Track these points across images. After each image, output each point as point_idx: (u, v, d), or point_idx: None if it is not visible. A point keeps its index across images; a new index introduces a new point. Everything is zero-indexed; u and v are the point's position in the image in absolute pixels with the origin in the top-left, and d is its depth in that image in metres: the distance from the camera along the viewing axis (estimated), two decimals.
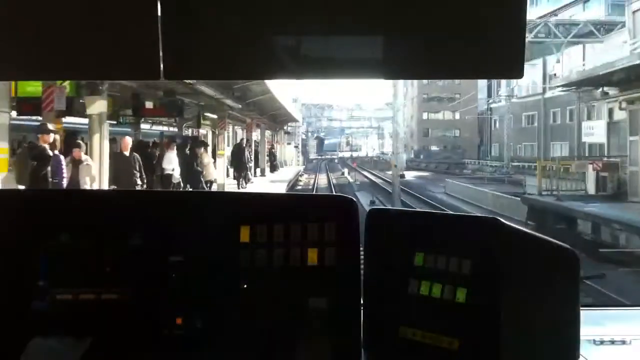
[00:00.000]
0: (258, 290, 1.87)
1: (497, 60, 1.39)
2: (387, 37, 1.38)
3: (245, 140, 31.36)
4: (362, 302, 1.91)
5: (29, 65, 1.43)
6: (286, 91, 32.91)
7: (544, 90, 57.69)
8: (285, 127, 51.89)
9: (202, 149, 21.77)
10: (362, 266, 1.92)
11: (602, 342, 2.07)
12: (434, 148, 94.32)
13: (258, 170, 35.56)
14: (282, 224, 1.90)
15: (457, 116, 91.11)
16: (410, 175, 57.65)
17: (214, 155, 25.90)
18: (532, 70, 59.09)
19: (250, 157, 30.68)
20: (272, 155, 40.73)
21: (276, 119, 41.03)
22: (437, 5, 1.37)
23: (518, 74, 1.38)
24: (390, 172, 65.21)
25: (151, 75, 1.40)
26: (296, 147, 64.08)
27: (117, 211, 1.93)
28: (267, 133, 47.30)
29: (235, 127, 40.08)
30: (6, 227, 1.89)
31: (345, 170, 61.87)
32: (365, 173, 63.06)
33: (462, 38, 1.37)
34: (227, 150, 30.10)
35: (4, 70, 1.50)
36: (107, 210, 1.94)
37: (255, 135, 40.35)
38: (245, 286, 1.88)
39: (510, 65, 1.38)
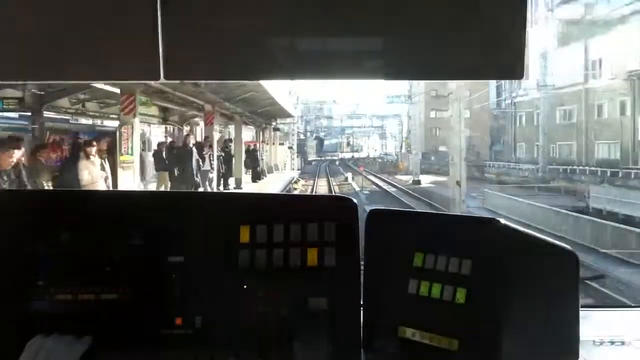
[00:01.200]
0: (258, 291, 1.85)
1: (498, 61, 1.38)
2: (387, 38, 1.38)
3: (195, 137, 20.52)
4: (361, 302, 1.89)
5: (29, 66, 1.42)
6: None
7: (586, 78, 46.87)
8: (274, 123, 40.60)
9: (83, 155, 10.86)
10: (362, 266, 1.90)
11: (601, 343, 2.03)
12: (442, 149, 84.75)
13: (232, 180, 24.59)
14: (282, 224, 1.88)
15: (468, 114, 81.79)
16: (426, 180, 46.96)
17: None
18: (570, 56, 48.28)
19: (212, 164, 19.73)
20: (253, 159, 29.74)
21: (258, 109, 29.95)
22: (438, 6, 1.37)
23: (520, 74, 1.38)
24: (400, 177, 55.85)
25: (151, 76, 1.39)
26: (291, 147, 51.40)
27: (117, 211, 1.90)
28: (250, 130, 36.76)
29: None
30: (6, 227, 1.86)
31: (349, 175, 51.07)
32: (372, 177, 52.76)
33: (464, 39, 1.36)
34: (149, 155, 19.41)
35: (3, 70, 1.48)
36: (107, 210, 1.91)
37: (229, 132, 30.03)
38: (245, 286, 1.86)
39: (511, 65, 1.38)
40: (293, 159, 49.24)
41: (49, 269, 1.84)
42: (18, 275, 1.84)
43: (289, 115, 45.02)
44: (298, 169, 51.53)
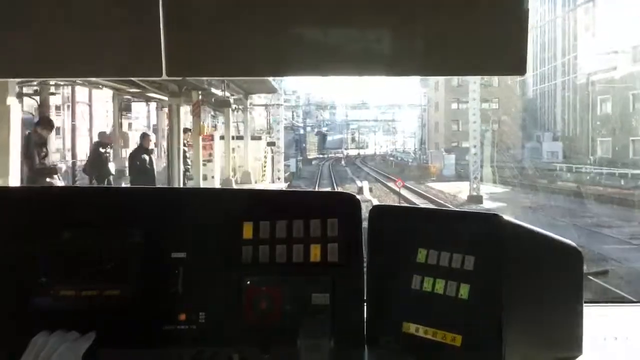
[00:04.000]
0: (261, 287, 1.82)
1: (500, 57, 1.37)
2: (388, 35, 1.36)
3: None
4: (365, 297, 1.87)
5: (30, 63, 1.40)
6: None
7: None
8: (218, 91, 20.61)
9: None
10: (365, 262, 1.88)
11: (605, 339, 1.96)
12: (465, 144, 68.18)
13: None
14: (285, 221, 1.85)
15: (495, 105, 66.57)
16: (485, 192, 28.36)
17: None
18: None
19: None
20: (145, 176, 11.26)
21: None
22: (440, 3, 1.35)
23: (520, 70, 1.37)
24: (437, 186, 37.24)
25: (154, 72, 1.38)
26: (272, 144, 29.03)
27: (119, 208, 1.88)
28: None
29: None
30: (9, 223, 1.84)
31: (365, 184, 32.40)
32: (391, 185, 34.49)
33: (466, 36, 1.35)
34: None
35: (5, 67, 1.46)
36: (109, 207, 1.89)
37: None
38: (248, 282, 1.82)
39: (512, 61, 1.36)
40: (279, 161, 29.44)
41: (51, 266, 1.79)
42: (21, 272, 1.79)
43: (269, 90, 26.22)
44: (289, 177, 32.64)
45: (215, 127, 27.82)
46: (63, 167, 10.76)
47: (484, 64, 1.37)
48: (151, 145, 13.68)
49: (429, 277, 1.77)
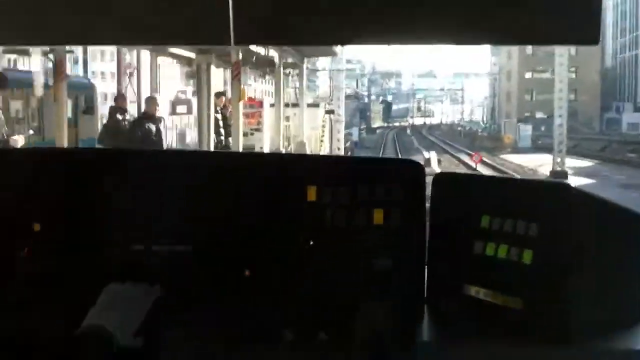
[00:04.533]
0: (324, 248, 1.84)
1: (572, 25, 1.28)
2: (458, 3, 1.30)
3: None
4: (426, 260, 1.88)
5: (97, 28, 1.36)
6: None
7: None
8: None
9: None
10: (427, 227, 1.89)
11: None
12: (539, 115, 64.59)
13: None
14: (349, 185, 1.85)
15: (573, 75, 63.06)
16: (568, 167, 24.91)
17: None
18: None
19: None
20: (137, 137, 9.15)
21: None
22: None
23: (594, 39, 1.27)
24: (513, 159, 33.01)
25: (221, 40, 1.35)
26: (331, 111, 25.64)
27: (188, 170, 1.91)
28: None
29: None
30: (86, 181, 1.88)
31: (432, 155, 29.46)
32: (462, 157, 31.48)
33: (537, 3, 1.28)
34: None
35: (70, 34, 1.43)
36: (178, 169, 1.92)
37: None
38: (312, 243, 1.85)
39: (585, 29, 1.27)
40: (339, 130, 26.86)
41: (124, 221, 1.85)
42: (95, 226, 1.85)
43: (329, 53, 23.50)
44: (350, 147, 30.03)
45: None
46: (20, 140, 8.47)
47: (556, 32, 1.29)
48: (159, 112, 10.89)
49: (491, 242, 1.74)
